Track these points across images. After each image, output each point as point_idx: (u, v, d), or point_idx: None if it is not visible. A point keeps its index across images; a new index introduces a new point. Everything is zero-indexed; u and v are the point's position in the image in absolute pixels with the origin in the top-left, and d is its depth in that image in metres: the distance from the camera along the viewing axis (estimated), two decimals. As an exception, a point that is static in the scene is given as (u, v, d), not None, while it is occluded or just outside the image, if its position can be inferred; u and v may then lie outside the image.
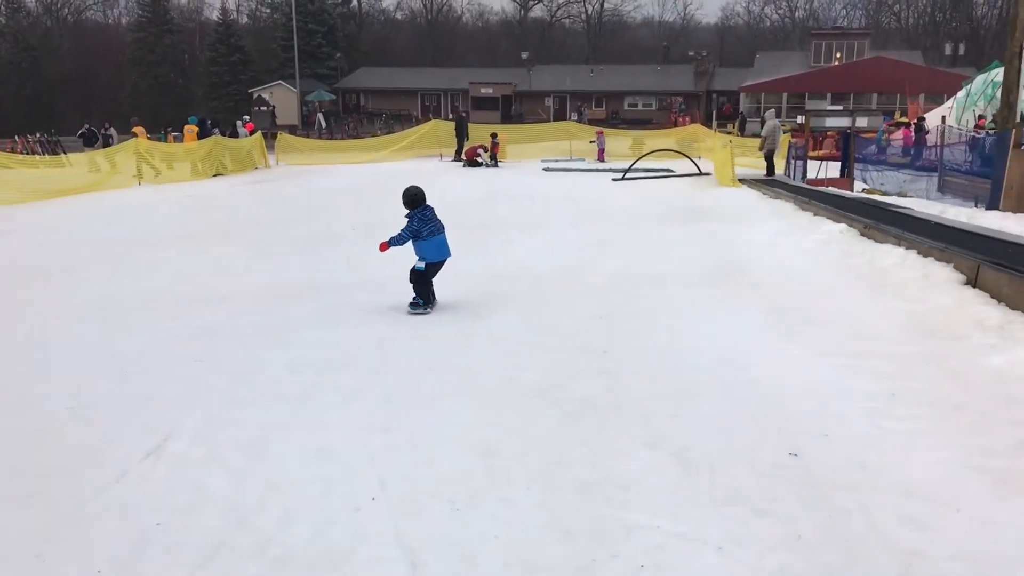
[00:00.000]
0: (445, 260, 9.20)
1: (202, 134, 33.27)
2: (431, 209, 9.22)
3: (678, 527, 4.05)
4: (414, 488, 4.59)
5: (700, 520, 4.13)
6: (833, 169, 27.50)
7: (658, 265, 12.30)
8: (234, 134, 35.87)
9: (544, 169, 33.03)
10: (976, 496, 4.30)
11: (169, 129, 38.52)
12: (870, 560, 3.70)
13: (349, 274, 11.88)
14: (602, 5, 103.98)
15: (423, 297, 9.01)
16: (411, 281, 9.05)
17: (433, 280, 9.13)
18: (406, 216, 9.08)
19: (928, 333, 7.69)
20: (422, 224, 8.98)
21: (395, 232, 9.11)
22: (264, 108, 59.63)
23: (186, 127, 34.41)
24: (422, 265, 8.98)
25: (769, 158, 25.97)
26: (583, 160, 37.09)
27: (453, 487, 4.57)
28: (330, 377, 6.78)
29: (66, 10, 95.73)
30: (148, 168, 27.82)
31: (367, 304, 9.72)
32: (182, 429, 5.64)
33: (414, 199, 9.10)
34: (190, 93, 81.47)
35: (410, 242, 9.06)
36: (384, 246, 9.18)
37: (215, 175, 30.19)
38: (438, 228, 9.16)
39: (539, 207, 20.51)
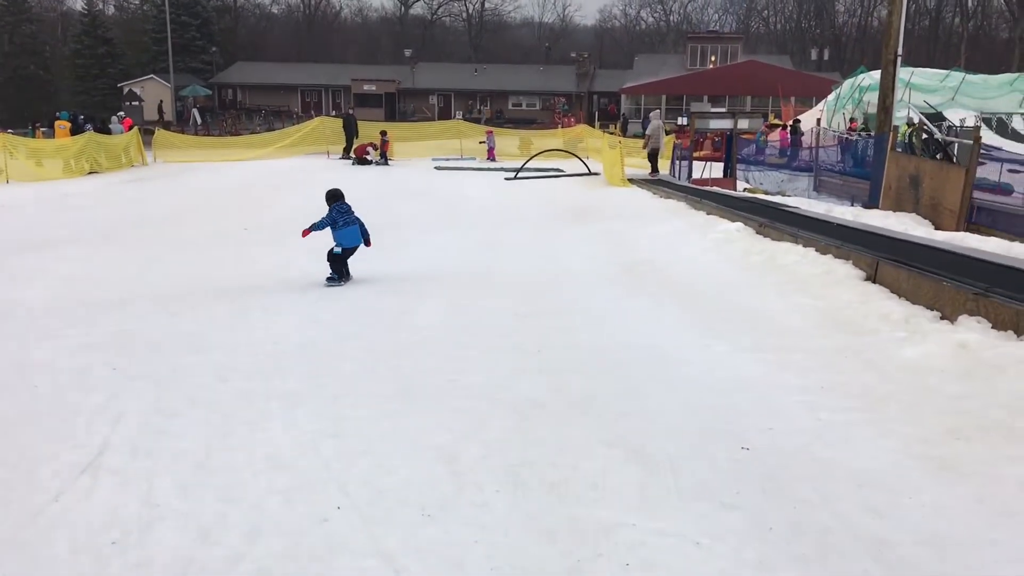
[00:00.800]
0: (357, 246, 10.75)
1: (74, 130, 31.54)
2: (347, 205, 10.90)
3: (653, 523, 4.10)
4: (380, 496, 4.48)
5: (672, 516, 4.20)
6: (716, 169, 28.47)
7: (567, 263, 12.47)
8: (106, 130, 34.15)
9: (436, 168, 32.88)
10: (924, 483, 4.53)
11: (38, 124, 36.33)
12: (843, 549, 3.84)
13: (248, 275, 11.53)
14: (483, 5, 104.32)
15: (337, 273, 10.57)
16: (328, 261, 10.60)
17: (347, 261, 10.76)
18: (328, 208, 10.75)
19: (839, 328, 8.04)
20: (339, 215, 10.66)
21: (315, 221, 10.80)
22: (136, 103, 57.06)
23: (57, 123, 32.57)
24: (338, 249, 10.62)
25: (653, 157, 26.70)
26: (474, 159, 37.11)
27: (421, 493, 4.49)
28: (261, 383, 6.55)
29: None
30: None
31: (277, 305, 9.47)
32: (115, 442, 5.33)
33: (334, 196, 10.92)
34: (53, 87, 77.09)
35: (328, 230, 10.68)
36: (306, 232, 10.81)
37: (90, 173, 28.69)
38: (352, 220, 10.76)
39: (436, 206, 20.44)
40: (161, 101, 64.53)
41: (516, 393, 6.20)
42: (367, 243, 10.97)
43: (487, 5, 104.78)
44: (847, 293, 9.22)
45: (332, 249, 10.65)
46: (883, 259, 9.67)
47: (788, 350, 7.28)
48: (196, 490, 4.60)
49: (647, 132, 27.65)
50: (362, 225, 10.92)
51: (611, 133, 42.23)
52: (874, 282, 9.49)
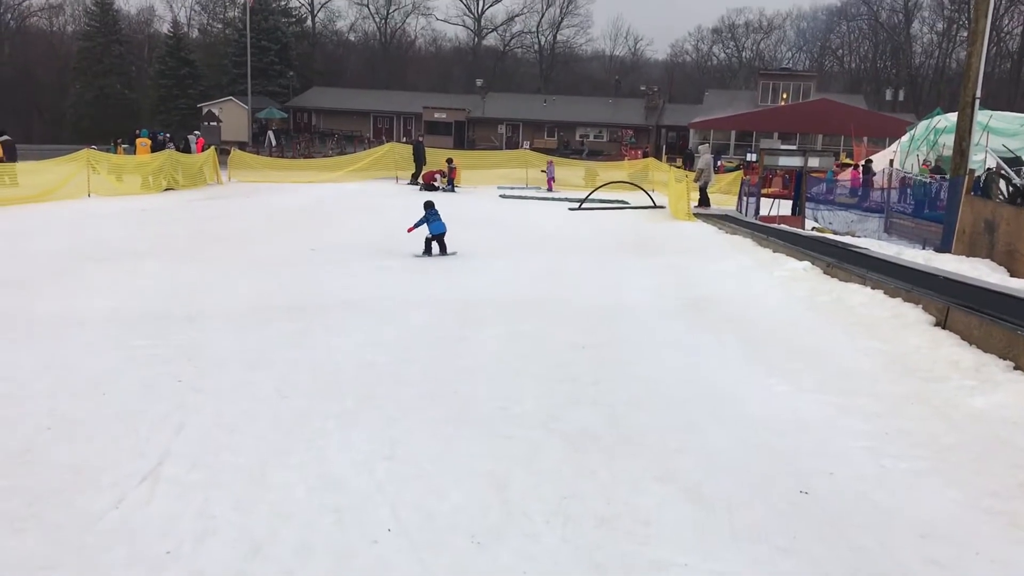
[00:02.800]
0: (443, 233, 15.86)
1: (154, 148, 32.61)
2: (435, 210, 16.08)
3: (706, 564, 4.02)
4: (430, 520, 4.48)
5: (726, 558, 4.11)
6: (784, 207, 28.09)
7: (629, 295, 12.37)
8: (187, 148, 35.24)
9: (501, 196, 33.08)
10: (991, 539, 4.35)
11: (119, 141, 37.68)
12: (904, 602, 3.71)
13: (314, 294, 11.70)
14: (555, 37, 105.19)
15: (427, 251, 15.70)
16: (425, 243, 15.78)
17: (443, 242, 15.91)
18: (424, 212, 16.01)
19: (907, 373, 7.81)
20: (431, 215, 15.87)
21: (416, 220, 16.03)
22: (215, 124, 58.77)
23: (138, 140, 33.70)
24: (430, 235, 15.75)
25: (703, 190, 26.55)
26: (539, 188, 37.27)
27: (471, 520, 4.48)
28: (321, 402, 6.63)
29: (9, 16, 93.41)
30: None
31: (339, 325, 9.58)
32: (175, 452, 5.44)
33: (428, 204, 16.33)
34: (136, 105, 79.98)
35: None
36: (410, 229, 16.20)
37: (166, 189, 29.58)
38: (438, 217, 15.95)
39: (500, 233, 20.51)
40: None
41: (569, 423, 6.16)
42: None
43: (559, 38, 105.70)
44: (916, 338, 8.97)
45: (427, 236, 15.77)
46: (954, 305, 9.39)
47: (853, 393, 7.10)
48: (250, 505, 4.67)
49: (698, 166, 27.50)
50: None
51: (677, 167, 42.07)
52: (944, 328, 9.21)
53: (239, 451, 5.53)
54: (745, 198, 29.86)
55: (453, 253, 15.97)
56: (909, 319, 9.74)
